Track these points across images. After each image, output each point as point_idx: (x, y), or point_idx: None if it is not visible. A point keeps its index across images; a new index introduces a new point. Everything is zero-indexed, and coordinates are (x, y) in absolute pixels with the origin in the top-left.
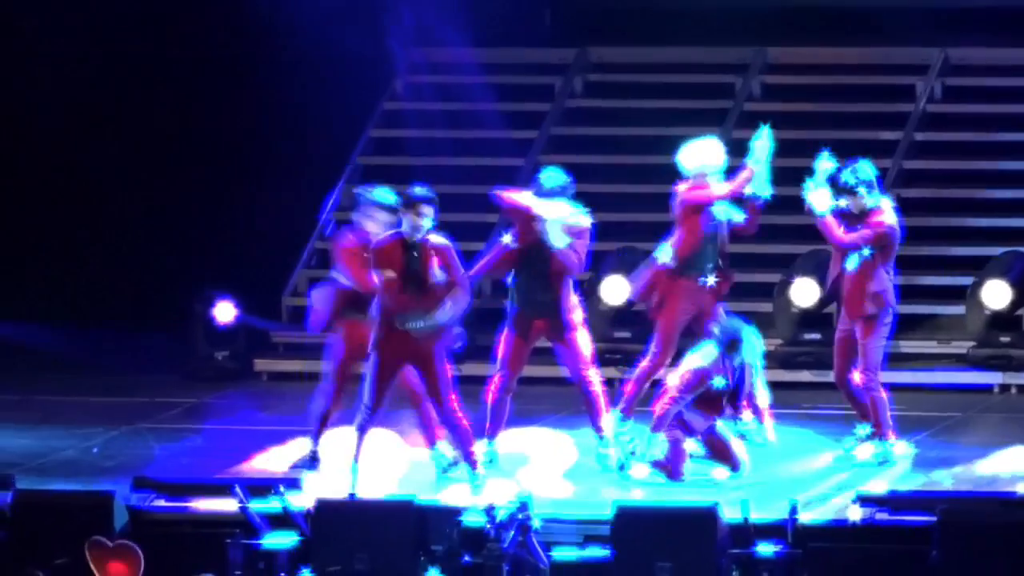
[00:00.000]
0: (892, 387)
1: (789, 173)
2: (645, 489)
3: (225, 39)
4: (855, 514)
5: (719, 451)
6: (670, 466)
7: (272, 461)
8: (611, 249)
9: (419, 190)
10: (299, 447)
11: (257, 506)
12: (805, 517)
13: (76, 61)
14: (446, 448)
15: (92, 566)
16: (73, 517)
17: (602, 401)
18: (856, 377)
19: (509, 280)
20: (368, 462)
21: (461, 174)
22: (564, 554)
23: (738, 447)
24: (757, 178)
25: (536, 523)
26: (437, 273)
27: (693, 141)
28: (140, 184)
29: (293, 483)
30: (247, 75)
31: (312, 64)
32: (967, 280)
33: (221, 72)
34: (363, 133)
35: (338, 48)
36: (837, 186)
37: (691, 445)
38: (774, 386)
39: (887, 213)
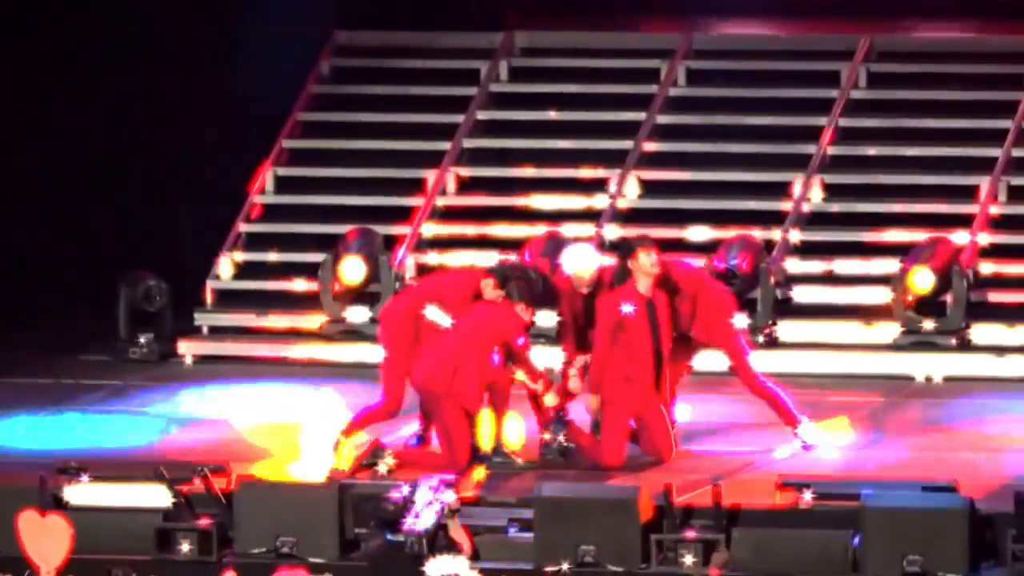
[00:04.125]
0: (816, 373)
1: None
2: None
3: (152, 17)
4: (779, 498)
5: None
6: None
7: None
8: (538, 234)
9: None
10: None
11: (181, 489)
12: (729, 501)
13: None
14: None
15: (22, 540)
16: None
17: None
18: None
19: None
20: None
21: (387, 158)
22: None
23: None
24: None
25: (457, 505)
26: None
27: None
28: (65, 165)
29: (217, 466)
30: (173, 53)
31: (238, 45)
32: (892, 266)
33: (148, 51)
34: (290, 115)
35: (264, 29)
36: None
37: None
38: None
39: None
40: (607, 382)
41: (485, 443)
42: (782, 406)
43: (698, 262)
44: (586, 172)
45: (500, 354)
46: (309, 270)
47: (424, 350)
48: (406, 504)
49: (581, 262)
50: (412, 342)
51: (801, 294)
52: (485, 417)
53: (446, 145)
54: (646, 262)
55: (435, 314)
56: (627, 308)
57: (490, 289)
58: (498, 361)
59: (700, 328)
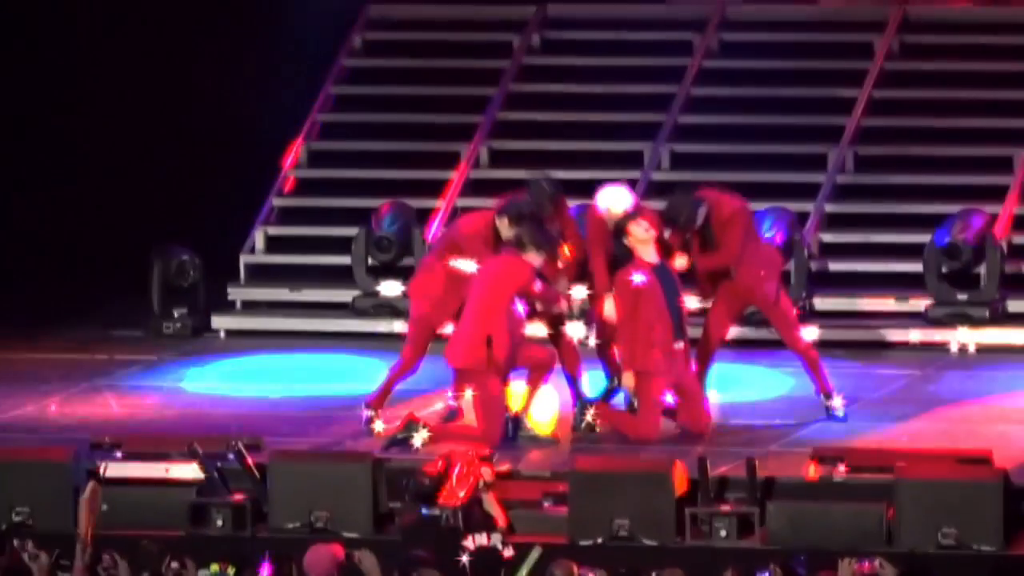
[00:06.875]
0: (849, 344)
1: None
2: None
3: None
4: (813, 471)
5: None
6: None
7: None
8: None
9: None
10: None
11: (215, 463)
12: (763, 474)
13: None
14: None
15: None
16: (31, 475)
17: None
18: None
19: None
20: None
21: (420, 131)
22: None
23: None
24: None
25: (491, 479)
26: None
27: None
28: (99, 139)
29: (251, 441)
30: (206, 28)
31: (271, 19)
32: (925, 237)
33: (179, 25)
34: (322, 89)
35: (296, 2)
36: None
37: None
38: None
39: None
40: (638, 355)
41: (517, 407)
42: (820, 372)
43: None
44: (619, 145)
45: (523, 303)
46: (342, 244)
47: (453, 331)
48: (440, 478)
49: (614, 199)
50: (441, 298)
51: (834, 266)
52: (517, 390)
53: (479, 118)
54: (639, 232)
55: (460, 264)
56: (639, 278)
57: (506, 228)
58: (524, 311)
59: (744, 275)
